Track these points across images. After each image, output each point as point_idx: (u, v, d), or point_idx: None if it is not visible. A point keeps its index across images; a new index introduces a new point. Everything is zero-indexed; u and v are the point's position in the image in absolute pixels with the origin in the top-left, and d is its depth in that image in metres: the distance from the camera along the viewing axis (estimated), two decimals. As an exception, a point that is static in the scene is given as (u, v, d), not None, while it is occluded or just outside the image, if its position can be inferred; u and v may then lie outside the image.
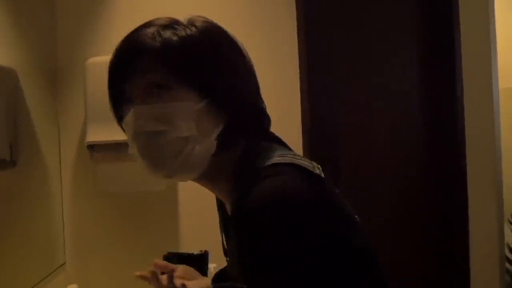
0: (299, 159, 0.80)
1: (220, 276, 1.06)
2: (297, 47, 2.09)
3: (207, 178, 0.87)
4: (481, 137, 2.21)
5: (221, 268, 1.09)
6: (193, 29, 0.84)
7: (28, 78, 1.78)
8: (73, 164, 2.06)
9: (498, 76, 2.25)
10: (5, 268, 1.54)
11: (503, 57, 2.41)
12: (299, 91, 2.08)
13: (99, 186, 1.92)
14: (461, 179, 2.20)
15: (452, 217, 2.25)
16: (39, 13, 1.95)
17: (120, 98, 0.86)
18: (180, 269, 1.01)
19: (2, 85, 1.58)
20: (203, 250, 1.07)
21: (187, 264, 1.03)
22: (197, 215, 2.06)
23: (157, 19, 0.86)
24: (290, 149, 0.88)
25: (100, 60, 1.93)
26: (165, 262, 1.02)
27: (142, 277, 0.97)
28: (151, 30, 0.83)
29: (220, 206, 0.99)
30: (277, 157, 0.80)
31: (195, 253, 1.05)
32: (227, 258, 0.97)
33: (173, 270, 0.96)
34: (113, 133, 1.81)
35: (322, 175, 0.82)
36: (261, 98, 0.91)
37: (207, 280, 1.03)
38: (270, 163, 0.78)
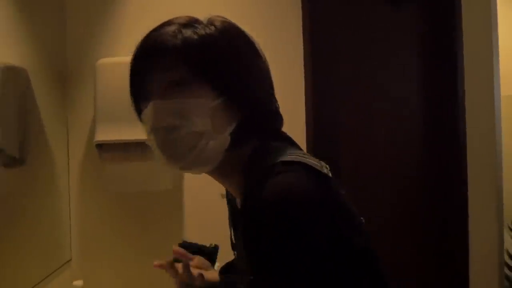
0: (308, 158, 0.81)
1: (226, 269, 1.08)
2: (302, 48, 2.10)
3: (220, 172, 0.89)
4: (482, 143, 2.21)
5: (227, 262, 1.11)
6: (213, 28, 0.86)
7: (39, 78, 1.78)
8: (81, 162, 2.07)
9: (500, 83, 2.25)
10: (13, 263, 1.54)
11: (505, 64, 2.40)
12: (303, 92, 2.09)
13: (107, 185, 1.93)
14: (462, 183, 2.20)
15: (452, 221, 2.25)
16: (50, 15, 1.97)
17: (140, 93, 0.87)
18: (197, 259, 1.04)
19: (14, 84, 1.59)
20: (213, 244, 1.09)
21: (200, 255, 1.06)
22: (201, 215, 2.07)
23: (177, 18, 0.88)
24: (300, 149, 0.89)
25: (110, 61, 1.94)
26: (184, 250, 1.04)
27: (160, 266, 0.99)
28: (172, 28, 0.85)
29: (230, 200, 1.01)
30: (287, 156, 0.81)
31: (207, 245, 1.07)
32: (235, 252, 0.99)
33: (190, 259, 0.99)
34: (122, 133, 1.84)
35: (330, 174, 0.83)
36: (275, 99, 0.92)
37: (217, 273, 1.06)
38: (280, 160, 0.79)
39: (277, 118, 0.92)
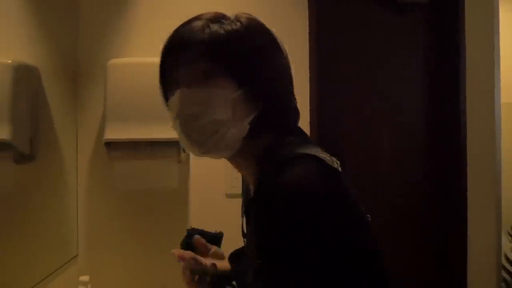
0: (320, 153, 0.84)
1: (235, 256, 1.12)
2: (308, 48, 2.11)
3: (238, 158, 0.94)
4: (482, 149, 2.21)
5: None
6: (238, 24, 0.90)
7: (50, 76, 1.79)
8: (89, 160, 2.07)
9: (501, 91, 2.25)
10: (21, 258, 1.55)
11: (506, 72, 2.40)
12: (308, 93, 2.09)
13: (115, 183, 1.93)
14: (461, 188, 2.20)
15: (451, 224, 2.25)
16: (63, 15, 1.97)
17: (168, 81, 0.92)
18: (214, 248, 1.11)
19: (26, 82, 1.60)
20: (218, 230, 1.14)
21: (206, 241, 1.10)
22: (206, 213, 2.07)
23: (205, 13, 0.92)
24: (314, 145, 0.92)
25: (120, 62, 1.95)
26: (204, 240, 1.11)
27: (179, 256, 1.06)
28: (200, 23, 0.89)
29: (245, 190, 1.05)
30: (301, 149, 0.84)
31: (212, 232, 1.12)
32: (245, 240, 1.02)
33: (209, 249, 1.07)
34: (130, 132, 1.85)
35: (340, 169, 0.85)
36: (293, 96, 0.97)
37: (227, 263, 1.11)
38: (295, 152, 0.83)
39: (295, 114, 0.97)
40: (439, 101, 2.29)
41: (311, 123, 2.09)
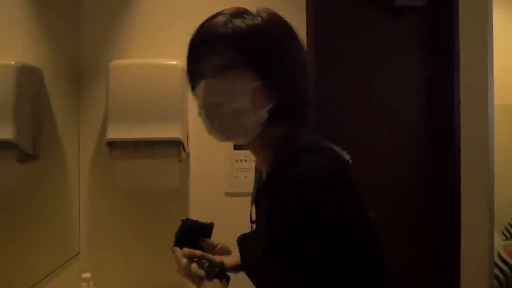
0: (333, 146, 0.89)
1: (243, 239, 1.16)
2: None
3: (255, 144, 1.00)
4: (476, 150, 2.21)
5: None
6: (259, 19, 0.95)
7: (53, 77, 1.79)
8: (91, 159, 2.07)
9: (494, 93, 2.25)
10: (24, 256, 1.54)
11: (499, 75, 2.40)
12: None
13: (117, 182, 1.93)
14: (455, 188, 2.20)
15: (445, 223, 2.24)
16: (65, 15, 1.97)
17: (195, 72, 0.98)
18: (221, 245, 1.16)
19: (29, 83, 1.59)
20: (208, 221, 1.17)
21: (198, 231, 1.14)
22: (205, 212, 2.06)
23: (228, 9, 0.97)
24: (325, 138, 0.96)
25: (122, 63, 1.94)
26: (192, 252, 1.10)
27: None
28: (223, 18, 0.94)
29: (257, 179, 1.10)
30: (315, 141, 0.90)
31: (204, 222, 1.16)
32: (252, 225, 1.07)
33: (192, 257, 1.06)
34: (132, 132, 1.85)
35: (350, 161, 0.90)
36: (310, 89, 1.01)
37: (237, 258, 1.16)
38: (309, 144, 0.89)
39: (308, 106, 1.01)
40: (434, 102, 2.29)
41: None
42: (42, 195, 1.71)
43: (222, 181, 2.08)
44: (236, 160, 2.06)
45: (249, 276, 1.09)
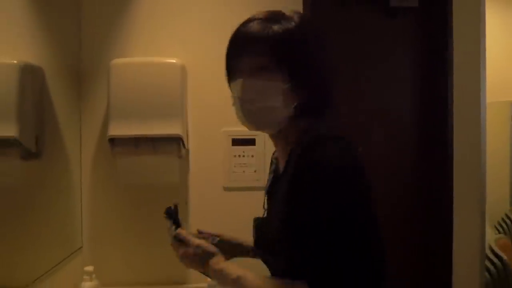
0: (346, 136, 0.99)
1: (256, 220, 1.21)
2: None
3: (279, 135, 1.10)
4: (469, 147, 2.21)
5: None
6: (293, 24, 1.04)
7: (54, 76, 1.79)
8: (93, 156, 2.07)
9: (486, 91, 2.25)
10: (28, 250, 1.55)
11: (491, 73, 2.41)
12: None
13: (118, 178, 1.93)
14: (448, 186, 2.20)
15: (438, 217, 2.25)
16: (66, 15, 1.97)
17: (231, 69, 1.09)
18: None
19: (31, 82, 1.59)
20: (172, 205, 1.23)
21: (174, 216, 1.21)
22: (205, 207, 2.07)
23: (264, 12, 1.07)
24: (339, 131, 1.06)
25: (123, 62, 1.94)
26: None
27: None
28: (260, 22, 1.04)
29: (273, 169, 1.19)
30: (331, 132, 1.02)
31: (171, 207, 1.23)
32: (265, 214, 1.17)
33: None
34: (132, 129, 1.85)
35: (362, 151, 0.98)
36: (333, 90, 1.10)
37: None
38: (327, 133, 1.01)
39: (329, 106, 1.10)
40: (428, 102, 2.30)
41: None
42: (45, 191, 1.71)
43: (221, 176, 2.08)
44: (235, 156, 2.06)
45: (262, 256, 1.16)
